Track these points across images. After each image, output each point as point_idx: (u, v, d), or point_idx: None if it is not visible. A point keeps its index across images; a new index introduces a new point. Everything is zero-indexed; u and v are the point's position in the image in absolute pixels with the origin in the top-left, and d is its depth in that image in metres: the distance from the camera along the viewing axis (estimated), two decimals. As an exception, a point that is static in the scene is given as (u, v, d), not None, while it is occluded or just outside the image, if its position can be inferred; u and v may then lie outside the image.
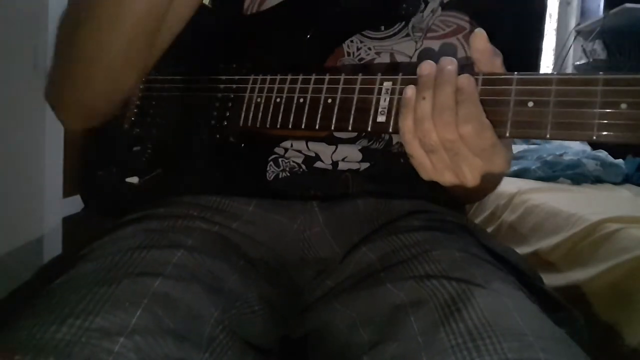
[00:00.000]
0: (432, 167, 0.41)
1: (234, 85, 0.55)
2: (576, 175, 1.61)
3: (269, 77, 0.52)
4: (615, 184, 1.64)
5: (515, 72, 0.39)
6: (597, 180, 1.64)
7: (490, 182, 0.44)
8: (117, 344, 0.32)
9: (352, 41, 0.58)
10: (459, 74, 0.40)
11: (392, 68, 0.58)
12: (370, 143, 0.59)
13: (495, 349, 0.32)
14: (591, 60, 2.67)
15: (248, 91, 0.53)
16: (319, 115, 0.47)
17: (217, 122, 0.56)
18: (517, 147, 2.00)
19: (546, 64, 2.93)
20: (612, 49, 2.58)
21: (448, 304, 0.37)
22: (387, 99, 0.43)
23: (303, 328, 0.50)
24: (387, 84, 0.44)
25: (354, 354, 0.40)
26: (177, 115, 0.61)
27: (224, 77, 0.56)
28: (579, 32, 2.64)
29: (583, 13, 2.69)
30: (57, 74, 0.56)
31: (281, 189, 0.57)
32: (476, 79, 0.40)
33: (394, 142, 0.60)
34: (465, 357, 0.32)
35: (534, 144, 2.09)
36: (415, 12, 0.58)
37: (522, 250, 1.25)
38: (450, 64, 0.40)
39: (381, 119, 0.43)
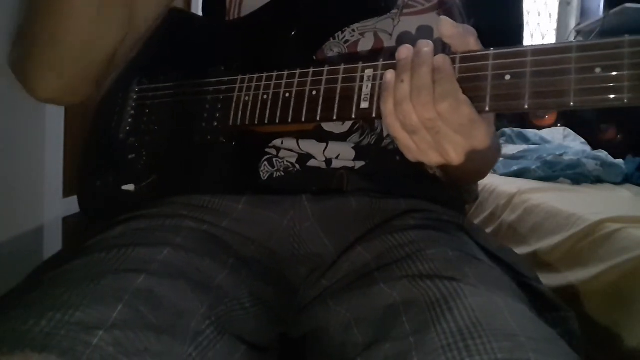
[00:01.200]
0: (417, 147, 0.41)
1: (223, 87, 0.56)
2: (576, 175, 1.61)
3: (256, 76, 0.53)
4: (615, 184, 1.64)
5: (492, 48, 0.40)
6: (597, 180, 1.64)
7: (477, 160, 0.44)
8: (96, 337, 0.32)
9: None
10: (439, 54, 0.40)
11: (374, 55, 0.58)
12: (362, 139, 0.59)
13: (486, 349, 0.32)
14: (591, 60, 2.66)
15: (236, 91, 0.54)
16: (305, 108, 0.48)
17: (207, 123, 0.56)
18: (517, 147, 2.00)
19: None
20: (612, 49, 2.57)
21: (440, 304, 0.37)
22: (369, 86, 0.45)
23: (301, 328, 0.50)
24: (369, 71, 0.45)
25: (349, 355, 0.40)
26: (169, 121, 0.62)
27: (213, 80, 0.57)
28: (579, 32, 2.64)
29: (583, 13, 2.69)
30: (32, 31, 0.52)
31: (275, 187, 0.57)
32: (453, 58, 0.40)
33: (385, 134, 0.60)
34: (456, 357, 0.32)
35: (534, 144, 2.09)
36: (395, 2, 0.58)
37: (522, 250, 1.25)
38: (426, 46, 0.40)
39: (364, 105, 0.44)
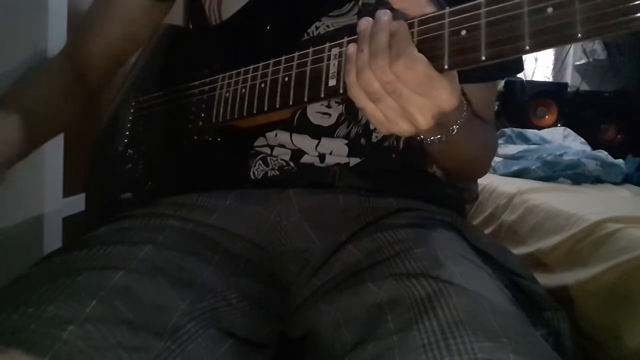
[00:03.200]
0: (385, 117, 0.41)
1: (206, 87, 0.57)
2: (576, 175, 1.61)
3: (234, 72, 0.54)
4: (615, 184, 1.64)
5: (447, 7, 0.40)
6: (597, 180, 1.64)
7: (458, 141, 0.44)
8: (66, 331, 0.32)
9: None
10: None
11: (341, 34, 0.59)
12: (349, 129, 0.59)
13: (466, 349, 0.32)
14: (591, 60, 2.66)
15: (218, 89, 0.56)
16: (278, 94, 0.49)
17: (193, 124, 0.58)
18: (517, 147, 2.01)
19: (546, 64, 2.93)
20: (612, 49, 2.58)
21: (424, 302, 0.37)
22: (336, 63, 0.45)
23: (297, 328, 0.50)
24: (335, 50, 0.46)
25: (339, 354, 0.40)
26: (161, 128, 0.64)
27: (197, 83, 0.58)
28: (579, 32, 2.64)
29: (583, 13, 2.68)
30: None
31: (269, 183, 0.58)
32: (411, 23, 0.41)
33: (372, 126, 0.60)
34: (436, 356, 0.32)
35: (534, 144, 2.09)
36: None
37: (522, 250, 1.25)
38: (384, 15, 0.41)
39: (332, 82, 0.45)
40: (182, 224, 0.50)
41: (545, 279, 1.12)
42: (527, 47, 0.36)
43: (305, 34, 0.59)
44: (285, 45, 0.57)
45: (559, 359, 0.35)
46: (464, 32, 0.38)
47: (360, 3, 0.59)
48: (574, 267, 1.08)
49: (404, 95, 0.39)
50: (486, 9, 0.38)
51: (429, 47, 0.40)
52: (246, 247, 0.52)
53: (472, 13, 0.38)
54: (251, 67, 0.52)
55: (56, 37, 0.85)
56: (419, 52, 0.39)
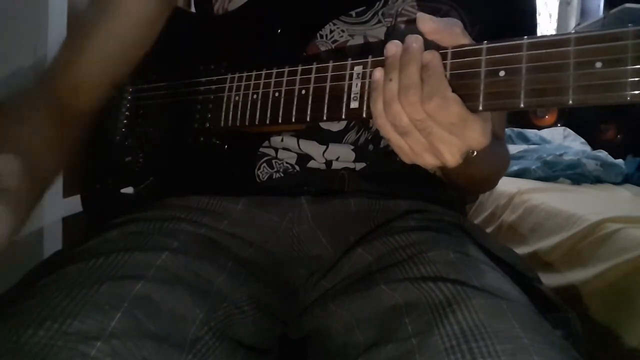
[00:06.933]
0: (410, 149, 0.40)
1: (213, 86, 0.55)
2: (576, 175, 1.61)
3: (245, 75, 0.51)
4: (615, 184, 1.64)
5: (485, 42, 0.37)
6: (597, 180, 1.64)
7: (479, 163, 0.43)
8: (94, 348, 0.32)
9: None
10: (429, 49, 0.38)
11: (364, 50, 0.57)
12: (358, 136, 0.58)
13: (489, 352, 0.32)
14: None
15: (226, 90, 0.53)
16: (294, 108, 0.46)
17: (199, 124, 0.56)
18: (517, 147, 2.01)
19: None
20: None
21: (443, 306, 0.37)
22: (359, 84, 0.43)
23: (302, 329, 0.50)
24: (358, 68, 0.43)
25: (351, 355, 0.40)
26: (163, 122, 0.61)
27: (203, 79, 0.56)
28: (579, 32, 2.64)
29: (583, 13, 2.69)
30: None
31: (275, 188, 0.57)
32: (444, 54, 0.38)
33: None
34: (459, 359, 0.32)
35: (534, 143, 2.09)
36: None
37: (522, 250, 1.26)
38: (415, 42, 0.38)
39: (354, 104, 0.43)
40: (195, 228, 0.49)
41: (546, 279, 1.11)
42: (571, 102, 0.33)
43: (319, 35, 0.57)
44: (299, 48, 0.56)
45: (580, 359, 0.35)
46: (502, 73, 0.35)
47: (380, 13, 0.57)
48: (574, 267, 1.08)
49: (434, 133, 0.38)
50: (528, 52, 0.35)
51: (462, 84, 0.37)
52: (256, 253, 0.52)
53: (513, 54, 0.35)
54: (263, 72, 0.49)
55: (56, 37, 0.85)
56: (452, 87, 0.37)
